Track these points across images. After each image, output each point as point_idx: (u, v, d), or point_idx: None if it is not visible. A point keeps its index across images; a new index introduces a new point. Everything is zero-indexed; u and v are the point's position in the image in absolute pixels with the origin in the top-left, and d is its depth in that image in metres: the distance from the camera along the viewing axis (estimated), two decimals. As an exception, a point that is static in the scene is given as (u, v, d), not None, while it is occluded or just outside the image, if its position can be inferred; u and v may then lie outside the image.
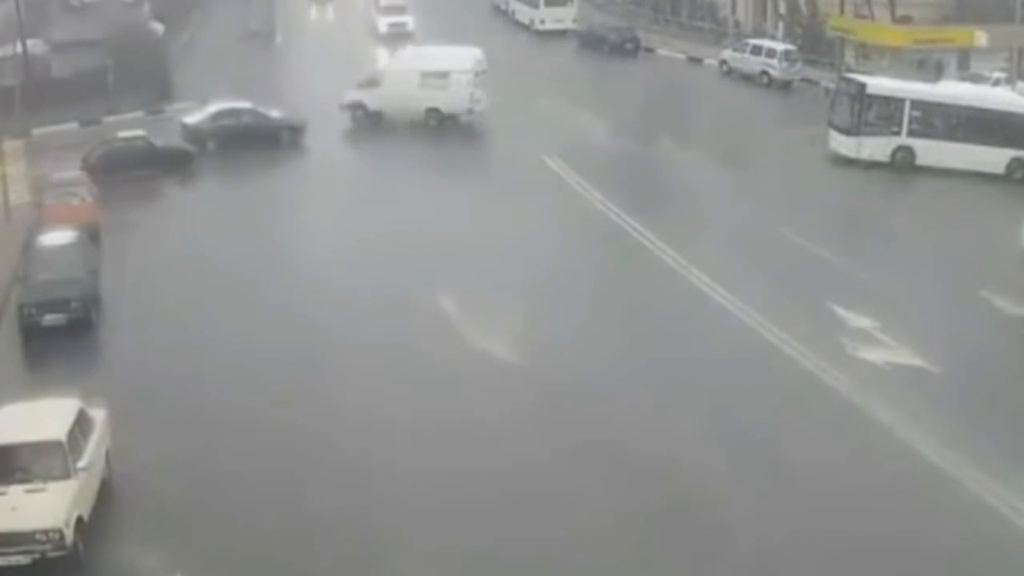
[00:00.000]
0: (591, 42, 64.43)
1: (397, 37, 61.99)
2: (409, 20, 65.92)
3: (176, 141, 41.58)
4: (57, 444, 18.36)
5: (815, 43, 60.00)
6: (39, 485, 17.98)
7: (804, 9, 62.49)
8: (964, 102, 41.29)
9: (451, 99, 44.91)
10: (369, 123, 45.34)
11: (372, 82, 45.71)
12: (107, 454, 19.92)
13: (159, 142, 40.72)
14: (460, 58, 46.48)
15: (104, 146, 39.99)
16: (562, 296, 28.33)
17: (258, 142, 41.78)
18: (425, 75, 45.16)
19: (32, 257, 29.14)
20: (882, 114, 41.45)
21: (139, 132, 41.13)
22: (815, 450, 20.90)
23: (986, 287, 28.76)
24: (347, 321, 26.81)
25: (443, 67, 45.39)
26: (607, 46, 63.45)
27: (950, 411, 22.15)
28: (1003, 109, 41.22)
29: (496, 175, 39.33)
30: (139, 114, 47.98)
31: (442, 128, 45.49)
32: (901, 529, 18.43)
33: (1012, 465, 19.97)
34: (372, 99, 45.24)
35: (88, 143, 41.11)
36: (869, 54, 57.44)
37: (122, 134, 41.02)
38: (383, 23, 65.63)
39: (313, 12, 76.88)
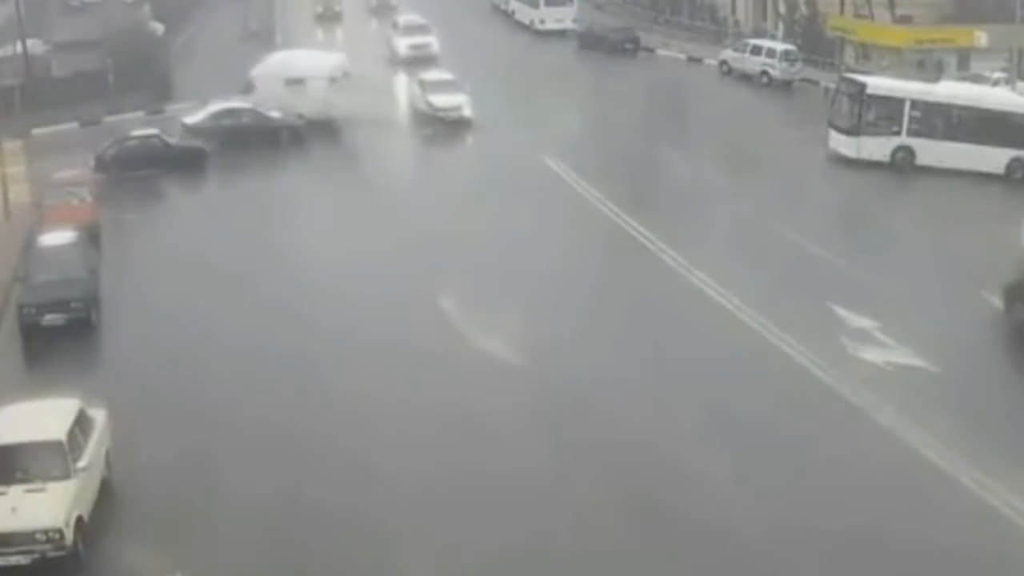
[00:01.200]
0: (591, 42, 64.40)
1: (419, 61, 55.22)
2: (433, 40, 58.85)
3: (191, 139, 41.58)
4: (57, 444, 18.36)
5: (815, 43, 60.00)
6: (39, 485, 17.96)
7: (804, 9, 62.50)
8: (964, 102, 41.31)
9: (308, 105, 44.54)
10: None
11: (248, 88, 45.61)
12: (107, 454, 19.91)
13: (172, 140, 40.86)
14: (319, 64, 47.14)
15: (118, 144, 40.14)
16: (562, 296, 28.30)
17: (258, 142, 41.79)
18: (288, 81, 45.42)
19: (32, 257, 29.16)
20: (882, 114, 41.47)
21: (153, 130, 41.33)
22: (814, 450, 20.87)
23: (986, 287, 28.73)
24: (348, 320, 26.78)
25: (301, 73, 45.78)
26: (607, 46, 63.44)
27: (950, 411, 22.13)
28: (1003, 109, 41.29)
29: (496, 175, 39.31)
30: (139, 114, 47.98)
31: (441, 128, 45.49)
32: (900, 529, 18.42)
33: (1012, 465, 19.95)
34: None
35: (86, 143, 41.15)
36: (869, 54, 57.49)
37: (136, 132, 41.23)
38: (402, 45, 58.55)
39: (320, 34, 68.39)
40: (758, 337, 25.77)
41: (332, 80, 45.80)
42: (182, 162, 39.93)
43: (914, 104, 41.20)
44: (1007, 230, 31.91)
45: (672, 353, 25.28)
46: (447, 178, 39.78)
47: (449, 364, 24.41)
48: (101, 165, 39.04)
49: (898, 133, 41.17)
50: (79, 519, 17.83)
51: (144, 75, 51.36)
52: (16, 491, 17.91)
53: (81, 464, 18.40)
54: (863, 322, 26.48)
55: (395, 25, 61.95)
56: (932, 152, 40.56)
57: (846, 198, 38.79)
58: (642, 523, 18.77)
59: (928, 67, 52.83)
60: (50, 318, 26.60)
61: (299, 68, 46.53)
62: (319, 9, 72.30)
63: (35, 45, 54.88)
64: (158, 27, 62.82)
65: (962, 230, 33.59)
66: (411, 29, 60.22)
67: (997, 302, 27.75)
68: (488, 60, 58.23)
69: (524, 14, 70.54)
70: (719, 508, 19.05)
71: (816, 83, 54.66)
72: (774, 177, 40.03)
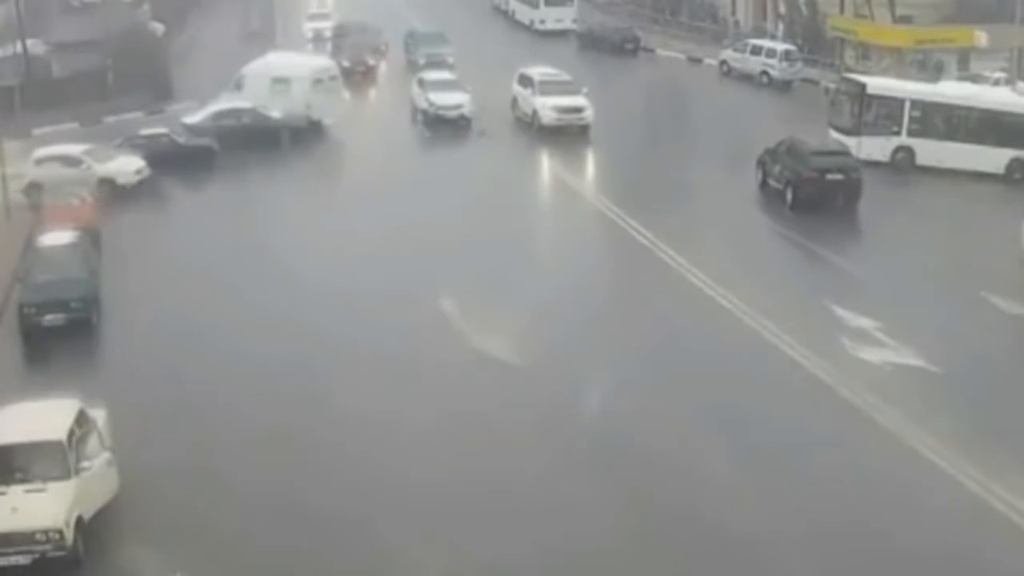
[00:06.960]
0: (591, 42, 64.44)
1: (567, 132, 44.11)
2: (587, 104, 44.82)
3: (200, 138, 41.55)
4: (57, 444, 18.36)
5: (815, 43, 60.02)
6: (39, 485, 17.97)
7: (804, 9, 62.51)
8: (964, 102, 41.33)
9: (290, 105, 44.55)
10: None
11: (237, 86, 45.86)
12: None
13: (181, 139, 40.88)
14: (304, 65, 47.53)
15: (127, 142, 40.13)
16: (561, 296, 28.28)
17: (258, 142, 41.80)
18: (274, 81, 45.61)
19: (32, 257, 29.15)
20: (882, 114, 41.48)
21: (162, 129, 41.34)
22: (815, 451, 20.88)
23: (986, 287, 28.76)
24: (349, 321, 26.74)
25: (286, 73, 45.98)
26: (607, 46, 63.47)
27: (950, 411, 22.15)
28: (1003, 109, 41.31)
29: (495, 174, 39.32)
30: (139, 114, 47.97)
31: (441, 128, 45.51)
32: (900, 529, 18.43)
33: (1012, 465, 19.98)
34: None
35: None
36: (869, 54, 57.48)
37: (144, 131, 41.25)
38: (545, 106, 44.21)
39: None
40: (758, 337, 25.78)
41: (316, 82, 45.97)
42: (190, 161, 39.94)
43: (914, 104, 41.22)
44: (1007, 230, 31.95)
45: (672, 353, 25.28)
46: (447, 178, 39.71)
47: (450, 366, 24.38)
48: None
49: (898, 133, 41.17)
50: (79, 519, 17.83)
51: (144, 75, 51.36)
52: (16, 491, 17.91)
53: (81, 464, 18.40)
54: (863, 322, 26.48)
55: (523, 79, 46.76)
56: (932, 152, 40.57)
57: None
58: (643, 524, 18.77)
59: (928, 67, 52.88)
60: (50, 318, 26.58)
61: (285, 68, 46.77)
62: (346, 63, 54.48)
63: (35, 45, 54.86)
64: (158, 27, 62.82)
65: (962, 230, 33.62)
66: (552, 86, 45.67)
67: (997, 302, 27.79)
68: (488, 60, 58.12)
69: (524, 14, 70.57)
70: (719, 508, 19.06)
71: (816, 83, 54.68)
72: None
